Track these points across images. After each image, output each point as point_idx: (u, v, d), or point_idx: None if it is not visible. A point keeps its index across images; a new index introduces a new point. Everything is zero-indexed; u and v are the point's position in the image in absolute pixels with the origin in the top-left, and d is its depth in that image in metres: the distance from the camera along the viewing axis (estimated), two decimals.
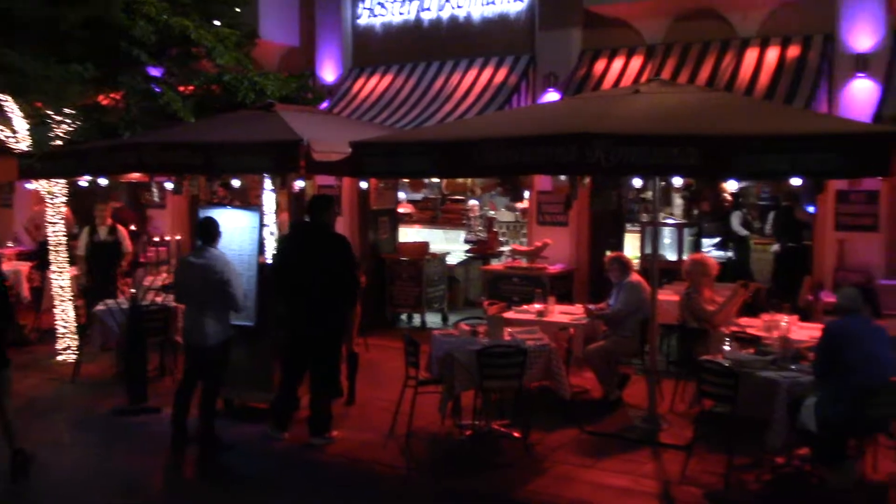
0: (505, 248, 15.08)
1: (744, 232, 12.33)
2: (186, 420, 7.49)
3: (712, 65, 10.44)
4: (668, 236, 13.33)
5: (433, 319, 12.75)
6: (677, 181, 7.47)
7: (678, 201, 13.60)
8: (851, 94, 9.84)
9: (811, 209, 10.82)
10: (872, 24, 9.78)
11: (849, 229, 9.97)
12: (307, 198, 8.49)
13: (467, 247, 14.73)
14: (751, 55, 10.37)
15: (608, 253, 9.30)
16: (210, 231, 7.41)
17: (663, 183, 7.86)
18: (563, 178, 7.73)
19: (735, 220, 13.09)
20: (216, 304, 7.26)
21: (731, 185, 7.56)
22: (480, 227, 15.78)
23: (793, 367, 6.44)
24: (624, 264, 8.81)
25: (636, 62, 11.12)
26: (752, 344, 7.23)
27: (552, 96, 11.48)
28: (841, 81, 9.84)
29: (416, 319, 12.67)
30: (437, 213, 16.61)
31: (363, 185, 10.94)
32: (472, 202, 16.27)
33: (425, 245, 13.28)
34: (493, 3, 12.44)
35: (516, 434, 7.57)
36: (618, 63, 11.26)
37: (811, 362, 6.37)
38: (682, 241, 12.76)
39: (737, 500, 6.34)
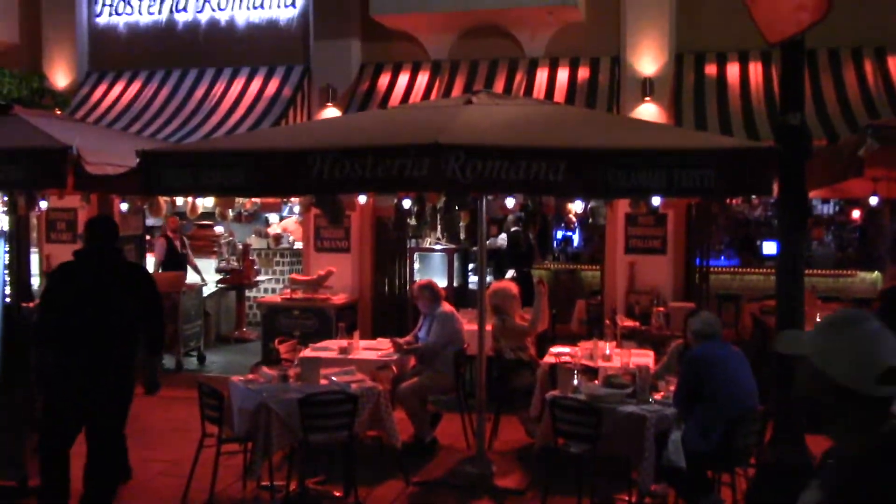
0: (262, 278, 13.95)
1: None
2: None
3: (503, 83, 10.11)
4: (437, 262, 12.94)
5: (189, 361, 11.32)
6: (510, 202, 6.87)
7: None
8: (639, 117, 9.89)
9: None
10: (657, 48, 9.93)
11: (639, 252, 10.02)
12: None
13: (219, 277, 13.40)
14: (541, 75, 10.17)
15: (417, 280, 8.53)
16: None
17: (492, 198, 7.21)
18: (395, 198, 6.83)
19: (500, 242, 13.00)
20: None
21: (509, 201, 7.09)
22: (232, 255, 14.51)
23: (650, 399, 6.03)
24: (435, 293, 8.10)
25: (423, 78, 10.55)
26: (593, 375, 6.80)
27: (331, 111, 10.60)
28: (629, 105, 9.89)
29: (169, 361, 11.05)
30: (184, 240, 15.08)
31: (123, 206, 9.31)
32: (219, 228, 14.95)
33: (181, 276, 11.77)
34: (260, 7, 11.31)
35: (337, 493, 6.56)
36: (403, 78, 10.62)
37: (673, 393, 5.99)
38: (451, 268, 12.40)
39: None
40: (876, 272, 12.03)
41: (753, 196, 6.00)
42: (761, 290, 12.25)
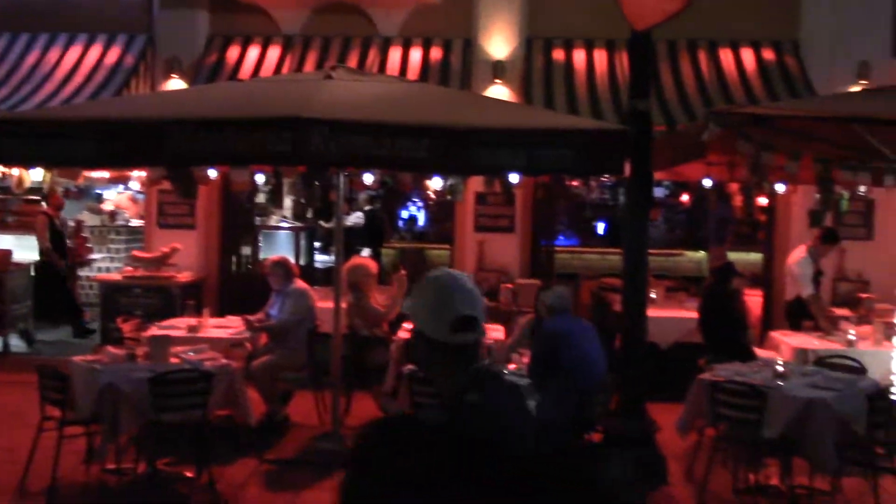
0: (96, 256, 13.31)
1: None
2: None
3: (356, 61, 10.05)
4: (283, 241, 12.81)
5: (15, 342, 10.67)
6: (369, 178, 6.85)
7: (288, 202, 13.09)
8: None
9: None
10: (508, 32, 10.15)
11: (488, 230, 10.25)
12: None
13: None
14: (395, 54, 10.18)
15: (270, 258, 8.37)
16: None
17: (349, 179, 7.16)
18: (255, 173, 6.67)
19: (354, 220, 12.99)
20: None
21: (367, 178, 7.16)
22: None
23: (505, 371, 6.20)
24: (288, 269, 7.99)
25: (274, 52, 10.33)
26: None
27: (177, 83, 10.20)
28: (480, 87, 10.05)
29: None
30: (7, 216, 14.16)
31: None
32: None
33: (7, 253, 11.05)
34: None
35: (188, 474, 6.39)
36: (253, 52, 10.36)
37: (528, 365, 6.19)
38: (298, 246, 12.32)
39: None
40: (701, 252, 12.84)
41: (605, 175, 6.25)
42: (598, 269, 12.85)
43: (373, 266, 8.14)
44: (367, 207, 12.38)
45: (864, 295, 9.30)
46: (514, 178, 6.08)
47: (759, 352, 7.73)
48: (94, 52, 10.50)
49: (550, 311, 6.19)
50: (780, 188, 8.67)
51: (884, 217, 10.09)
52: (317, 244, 13.74)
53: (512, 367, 6.33)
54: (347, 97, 5.99)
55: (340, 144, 5.30)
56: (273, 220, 13.15)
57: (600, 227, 15.28)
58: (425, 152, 5.35)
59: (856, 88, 9.49)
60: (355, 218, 13.14)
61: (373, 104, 5.91)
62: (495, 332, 7.87)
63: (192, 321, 7.84)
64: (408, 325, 8.05)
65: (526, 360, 6.32)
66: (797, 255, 8.66)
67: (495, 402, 2.28)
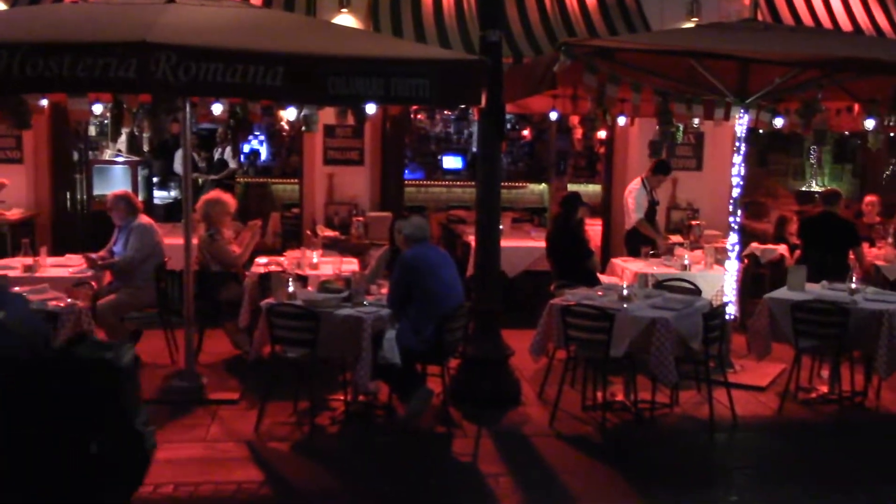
0: None
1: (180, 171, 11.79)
2: None
3: None
4: (119, 176, 12.23)
5: None
6: (218, 108, 6.58)
7: (123, 137, 12.49)
8: None
9: None
10: None
11: (337, 163, 10.15)
12: None
13: None
14: None
15: (110, 193, 7.96)
16: None
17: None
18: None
19: (177, 160, 12.52)
20: None
21: (216, 109, 6.95)
22: None
23: (365, 302, 6.24)
24: (131, 203, 7.68)
25: None
26: (304, 283, 6.90)
27: None
28: (327, 15, 9.78)
29: None
30: None
31: None
32: None
33: None
34: None
35: None
36: None
37: (387, 295, 6.26)
38: (136, 181, 11.80)
39: (325, 447, 5.99)
40: (543, 184, 13.25)
41: (462, 106, 6.30)
42: (444, 202, 13.07)
43: (232, 203, 7.92)
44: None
45: (695, 222, 9.91)
46: (370, 108, 6.03)
47: (602, 277, 8.13)
48: None
49: (409, 240, 6.25)
50: (620, 121, 9.03)
51: (712, 149, 10.71)
52: (155, 179, 13.20)
53: (371, 297, 6.38)
54: (194, 22, 5.70)
55: (189, 71, 5.08)
56: (107, 155, 12.49)
57: (446, 161, 15.44)
58: (280, 81, 5.20)
59: (688, 25, 9.95)
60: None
61: (222, 30, 5.67)
62: (349, 264, 7.88)
63: (28, 260, 7.40)
64: (262, 261, 7.95)
65: (384, 290, 6.38)
66: (633, 186, 9.14)
67: None
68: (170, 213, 12.31)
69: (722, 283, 7.81)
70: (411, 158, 14.50)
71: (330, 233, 9.53)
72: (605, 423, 6.28)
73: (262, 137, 16.02)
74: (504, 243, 7.09)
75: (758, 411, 6.75)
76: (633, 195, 9.03)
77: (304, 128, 6.66)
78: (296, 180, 11.19)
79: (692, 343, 6.20)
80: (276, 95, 5.42)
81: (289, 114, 6.74)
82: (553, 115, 9.01)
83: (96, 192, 10.75)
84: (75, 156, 10.48)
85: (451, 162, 15.56)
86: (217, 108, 6.38)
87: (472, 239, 7.89)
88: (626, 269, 8.02)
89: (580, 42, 7.00)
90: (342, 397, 6.48)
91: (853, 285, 6.88)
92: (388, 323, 6.09)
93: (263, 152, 16.00)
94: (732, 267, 7.72)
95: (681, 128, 7.73)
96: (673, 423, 6.51)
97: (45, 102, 7.22)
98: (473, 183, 7.85)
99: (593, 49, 6.43)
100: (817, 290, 7.09)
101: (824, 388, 6.99)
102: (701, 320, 6.22)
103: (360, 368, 5.93)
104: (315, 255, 7.86)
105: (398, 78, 5.36)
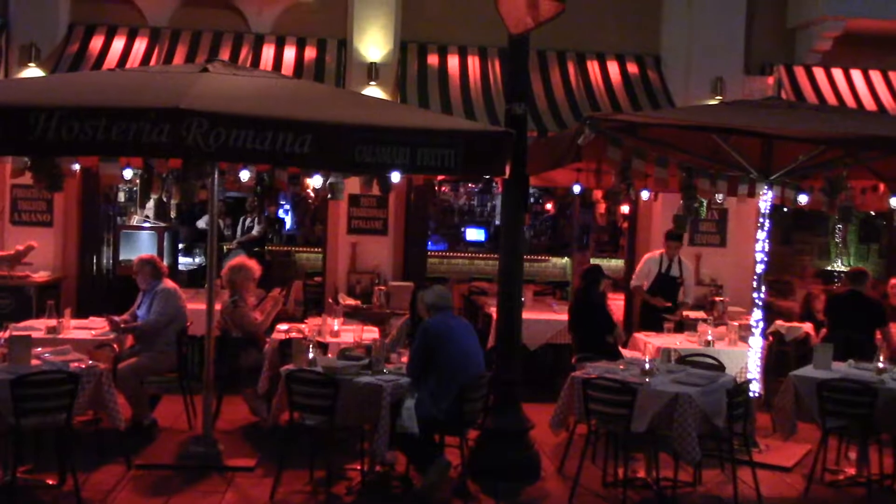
0: None
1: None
2: None
3: (228, 57, 9.84)
4: (146, 241, 12.38)
5: None
6: (245, 175, 6.68)
7: (150, 203, 12.69)
8: None
9: None
10: (383, 35, 10.17)
11: (361, 232, 10.23)
12: None
13: None
14: (267, 52, 10.03)
15: (136, 257, 8.05)
16: None
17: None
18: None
19: (202, 223, 12.68)
20: None
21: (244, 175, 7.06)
22: None
23: (385, 370, 6.21)
24: (156, 267, 7.73)
25: (141, 44, 9.97)
26: (324, 350, 6.88)
27: (34, 72, 9.68)
28: (356, 87, 10.02)
29: None
30: None
31: None
32: None
33: None
34: None
35: (51, 481, 6.07)
36: (118, 43, 9.96)
37: (406, 363, 6.22)
38: (162, 246, 11.92)
39: None
40: (566, 258, 13.25)
41: (487, 176, 6.35)
42: (466, 273, 13.08)
43: (257, 269, 7.97)
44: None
45: (718, 298, 9.84)
46: (395, 177, 6.09)
47: (624, 352, 8.06)
48: None
49: (431, 308, 6.24)
50: (644, 195, 9.06)
51: (736, 225, 10.71)
52: (180, 245, 13.36)
53: (390, 366, 6.35)
54: (226, 90, 5.85)
55: (220, 138, 5.17)
56: (134, 220, 12.67)
57: (469, 233, 15.53)
58: (308, 148, 5.29)
59: (712, 102, 10.05)
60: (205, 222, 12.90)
61: (253, 98, 5.80)
62: (371, 333, 7.86)
63: (52, 322, 7.44)
64: (282, 327, 7.96)
65: (405, 359, 6.35)
66: (647, 255, 9.27)
67: None
68: (193, 279, 12.41)
69: (746, 359, 7.71)
70: (434, 230, 14.60)
71: (352, 301, 9.54)
72: (626, 500, 6.14)
73: (286, 206, 16.25)
74: (525, 315, 7.07)
75: (784, 493, 6.57)
76: (642, 261, 9.17)
77: (329, 196, 6.73)
78: (319, 249, 11.27)
79: (716, 420, 6.09)
80: (303, 163, 5.51)
81: (315, 181, 6.83)
82: (576, 189, 9.07)
83: (123, 256, 10.88)
84: (104, 221, 10.64)
85: (474, 234, 15.65)
86: (245, 175, 6.47)
87: (493, 310, 7.87)
88: (649, 344, 7.95)
89: (605, 116, 7.08)
90: (359, 467, 6.39)
91: (881, 365, 6.77)
92: (407, 392, 6.05)
93: (288, 221, 16.20)
94: (756, 343, 7.63)
95: (704, 203, 7.74)
96: (696, 502, 6.35)
97: (77, 167, 7.35)
98: (496, 255, 7.88)
99: (618, 123, 6.49)
100: (844, 368, 6.98)
101: (852, 471, 6.81)
102: (725, 397, 6.11)
103: (379, 437, 5.86)
104: (336, 323, 7.86)
105: (424, 147, 5.43)
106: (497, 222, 14.45)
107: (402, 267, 10.51)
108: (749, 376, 7.42)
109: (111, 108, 5.16)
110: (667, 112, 9.07)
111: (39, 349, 6.38)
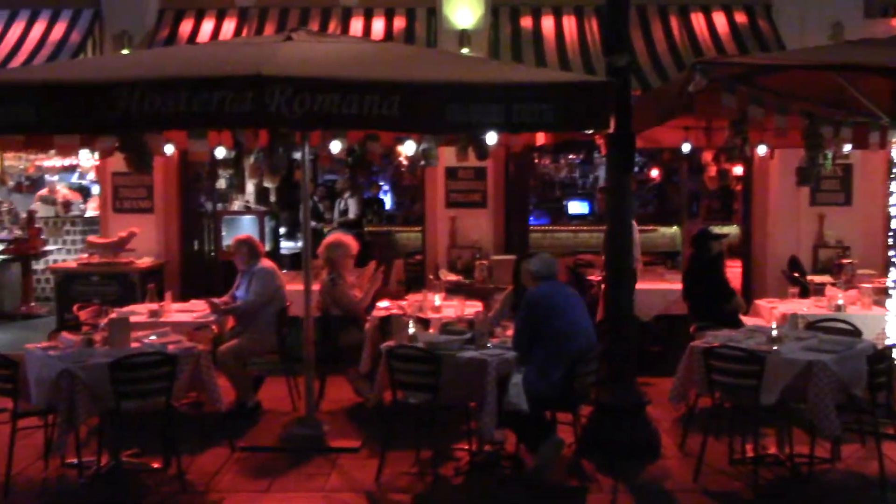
0: (51, 248, 12.79)
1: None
2: None
3: (317, 31, 9.62)
4: (247, 226, 12.37)
5: None
6: (336, 146, 6.42)
7: (250, 188, 12.68)
8: None
9: None
10: (472, 1, 9.79)
11: (460, 206, 9.92)
12: None
13: (1, 247, 12.20)
14: (356, 24, 9.81)
15: (236, 237, 7.94)
16: None
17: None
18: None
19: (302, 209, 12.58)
20: None
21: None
22: (14, 224, 13.26)
23: (489, 345, 5.87)
24: (253, 248, 7.60)
25: (230, 24, 9.90)
26: (426, 326, 6.58)
27: None
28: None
29: None
30: None
31: None
32: None
33: None
34: None
35: (155, 465, 5.98)
36: (208, 25, 9.91)
37: (512, 337, 5.86)
38: (263, 231, 11.88)
39: (449, 500, 5.60)
40: (675, 227, 12.62)
41: (589, 131, 5.90)
42: (570, 247, 12.60)
43: (354, 245, 7.75)
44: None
45: (846, 261, 9.11)
46: (492, 138, 5.72)
47: (746, 319, 7.49)
48: (38, 28, 9.98)
49: (536, 277, 5.87)
50: (760, 150, 8.40)
51: (861, 182, 9.91)
52: (282, 230, 13.36)
53: (495, 340, 6.00)
54: (310, 56, 5.59)
55: (305, 103, 4.91)
56: (236, 206, 12.71)
57: (571, 207, 15.06)
58: (397, 110, 4.98)
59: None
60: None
61: (338, 63, 5.52)
62: (472, 307, 7.54)
63: (154, 306, 7.41)
64: (383, 305, 7.71)
65: (509, 332, 5.99)
66: None
67: None
68: (295, 263, 12.36)
69: (883, 324, 7.04)
70: (536, 204, 14.17)
71: (453, 277, 9.24)
72: (758, 479, 5.63)
73: (386, 188, 16.11)
74: (637, 286, 6.60)
75: None
76: None
77: (422, 162, 6.41)
78: (419, 227, 11.01)
79: (855, 389, 5.51)
80: (392, 125, 5.19)
81: (407, 148, 6.52)
82: (686, 148, 8.46)
83: (224, 241, 10.88)
84: (205, 206, 10.66)
85: (577, 207, 15.15)
86: (335, 147, 6.20)
87: (600, 280, 7.43)
88: (774, 311, 7.36)
89: (717, 59, 6.52)
90: (466, 447, 6.09)
91: None
92: (513, 366, 5.69)
93: (388, 202, 16.07)
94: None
95: (830, 154, 7.09)
96: (836, 480, 5.78)
97: (170, 148, 7.24)
98: (601, 227, 7.43)
99: (731, 67, 5.93)
100: None
101: None
102: (865, 364, 5.53)
103: (485, 415, 5.52)
104: (437, 298, 7.57)
105: (520, 103, 5.04)
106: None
107: (503, 242, 10.13)
108: (888, 342, 6.76)
109: (192, 78, 4.98)
110: (782, 54, 8.38)
111: (141, 333, 6.31)
